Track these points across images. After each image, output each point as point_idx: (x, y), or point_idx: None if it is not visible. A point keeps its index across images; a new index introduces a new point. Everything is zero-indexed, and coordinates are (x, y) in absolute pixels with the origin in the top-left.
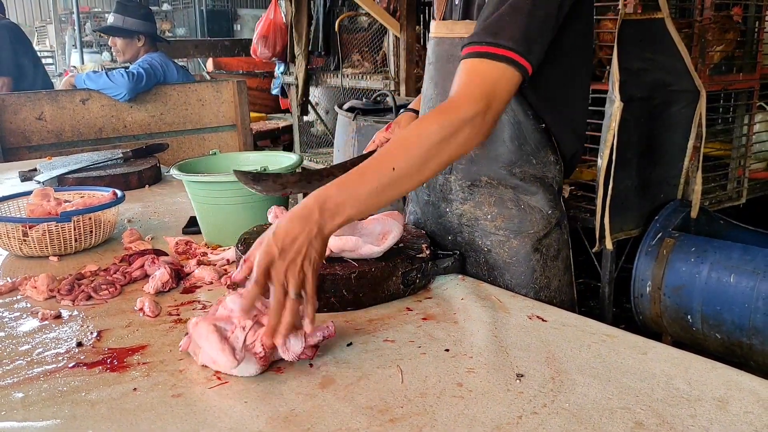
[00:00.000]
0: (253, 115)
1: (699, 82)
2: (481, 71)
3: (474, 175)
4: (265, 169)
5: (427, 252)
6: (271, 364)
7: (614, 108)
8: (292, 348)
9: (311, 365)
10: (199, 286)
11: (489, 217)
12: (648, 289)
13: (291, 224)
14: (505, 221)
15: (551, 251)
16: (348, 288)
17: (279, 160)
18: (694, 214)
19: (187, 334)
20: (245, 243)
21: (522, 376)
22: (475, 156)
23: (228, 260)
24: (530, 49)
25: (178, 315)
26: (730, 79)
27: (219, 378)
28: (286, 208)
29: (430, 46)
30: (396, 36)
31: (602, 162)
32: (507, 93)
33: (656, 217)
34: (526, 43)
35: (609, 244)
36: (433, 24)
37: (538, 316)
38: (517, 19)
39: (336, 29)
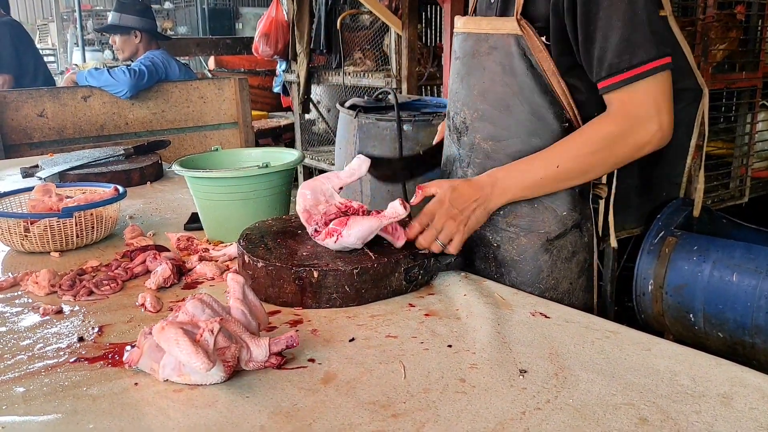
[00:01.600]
0: (254, 113)
1: (702, 81)
2: (643, 91)
3: (490, 169)
4: (266, 165)
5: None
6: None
7: None
8: (255, 357)
9: (313, 360)
10: (201, 282)
11: (501, 212)
12: (650, 287)
13: (468, 188)
14: (516, 218)
15: (564, 253)
16: (350, 283)
17: (281, 157)
18: (696, 212)
19: (133, 346)
20: (247, 239)
21: (525, 372)
22: (492, 151)
23: (230, 256)
24: (662, 44)
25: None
26: (732, 78)
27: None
28: (288, 204)
29: (456, 41)
30: (398, 34)
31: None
32: (667, 92)
33: (658, 216)
34: (658, 44)
35: (613, 242)
36: (459, 20)
37: (541, 313)
38: (640, 28)
39: (338, 27)
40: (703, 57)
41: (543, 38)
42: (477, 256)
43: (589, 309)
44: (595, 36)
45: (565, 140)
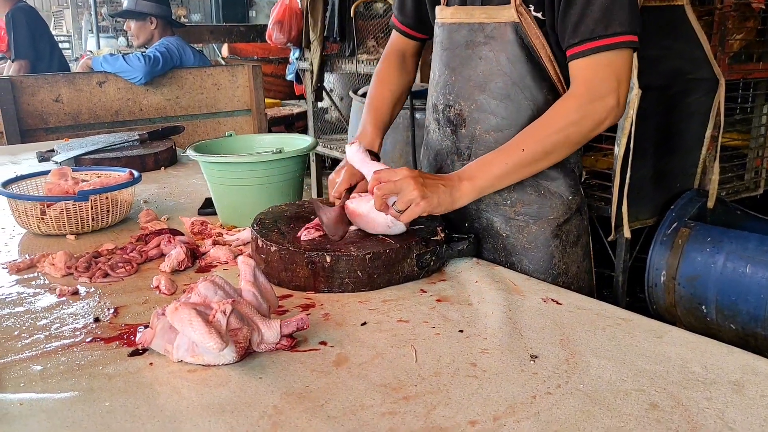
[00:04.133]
0: (267, 101)
1: (718, 71)
2: (604, 63)
3: None
4: (280, 151)
5: (442, 235)
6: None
7: (632, 96)
8: (266, 339)
9: (325, 343)
10: (215, 266)
11: (508, 202)
12: (662, 278)
13: (436, 175)
14: (524, 206)
15: (571, 237)
16: (362, 268)
17: (294, 142)
18: (710, 204)
19: (146, 326)
20: (261, 224)
21: (536, 357)
22: (494, 141)
23: (243, 241)
24: (637, 23)
25: None
26: (749, 68)
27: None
28: (301, 190)
29: (442, 32)
30: None
31: (619, 150)
32: (629, 71)
33: (672, 207)
34: (633, 20)
35: (627, 232)
36: (444, 9)
37: (552, 299)
38: (620, 1)
39: (351, 15)
40: (720, 47)
41: (539, 14)
42: (486, 248)
43: (593, 291)
44: (576, 0)
45: (530, 126)
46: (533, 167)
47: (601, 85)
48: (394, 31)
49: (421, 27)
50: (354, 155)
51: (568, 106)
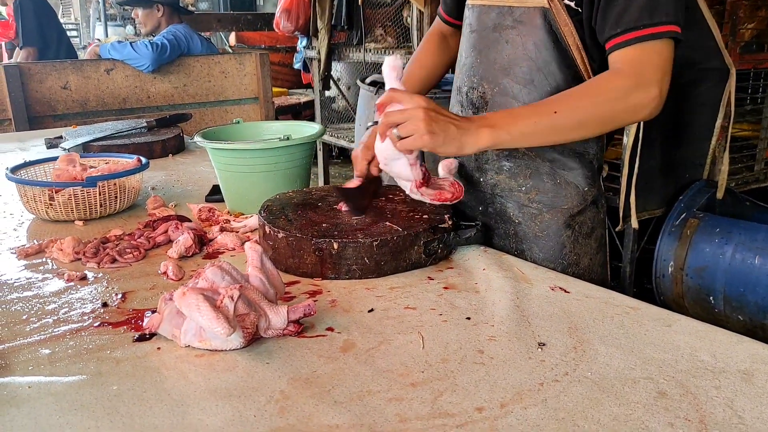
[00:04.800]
0: (274, 90)
1: (729, 60)
2: (651, 52)
3: None
4: (288, 138)
5: (450, 222)
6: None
7: None
8: (273, 325)
9: (332, 329)
10: (222, 252)
11: (523, 189)
12: (670, 269)
13: (453, 114)
14: (539, 194)
15: (584, 228)
16: (369, 255)
17: (302, 130)
18: (720, 194)
19: (154, 311)
20: (268, 210)
21: (544, 344)
22: None
23: (250, 228)
24: (681, 14)
25: None
26: (760, 58)
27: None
28: (308, 177)
29: (472, 13)
30: (420, 10)
31: (628, 140)
32: (671, 63)
33: (681, 197)
34: (677, 10)
35: (635, 223)
36: None
37: (560, 288)
38: None
39: (359, 3)
40: (731, 36)
41: (571, 2)
42: (496, 233)
43: (606, 285)
44: None
45: (568, 91)
46: (560, 135)
47: (648, 73)
48: (437, 17)
49: (460, 14)
50: (388, 68)
51: (614, 83)
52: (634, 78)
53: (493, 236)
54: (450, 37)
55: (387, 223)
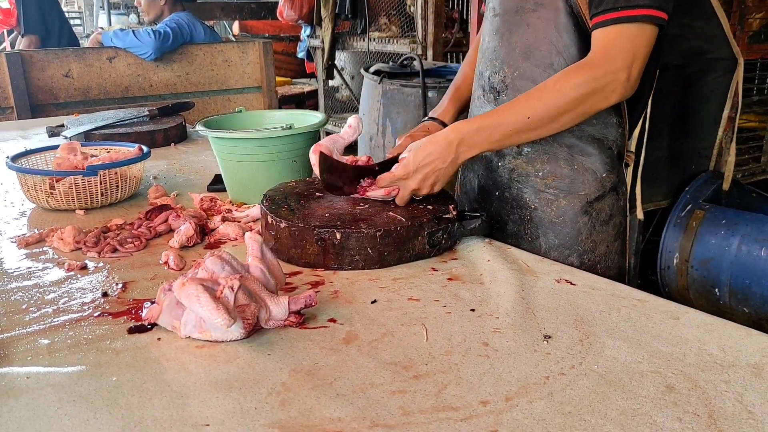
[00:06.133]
0: (278, 79)
1: (737, 50)
2: (623, 35)
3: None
4: (290, 127)
5: (454, 213)
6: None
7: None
8: (274, 315)
9: (334, 321)
10: (224, 242)
11: (540, 174)
12: (675, 261)
13: (432, 148)
14: (556, 180)
15: (602, 215)
16: (373, 246)
17: (305, 119)
18: (726, 186)
19: (153, 302)
20: (270, 200)
21: (549, 337)
22: None
23: (252, 217)
24: (666, 1)
25: None
26: None
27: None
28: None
29: None
30: None
31: (635, 130)
32: (648, 48)
33: (687, 189)
34: None
35: (640, 214)
36: None
37: (566, 280)
38: None
39: None
40: (739, 26)
41: None
42: (511, 219)
43: (623, 273)
44: None
45: (536, 89)
46: (535, 133)
47: (616, 58)
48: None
49: None
50: (346, 127)
51: (580, 74)
52: (601, 66)
53: (508, 222)
54: None
55: (390, 213)
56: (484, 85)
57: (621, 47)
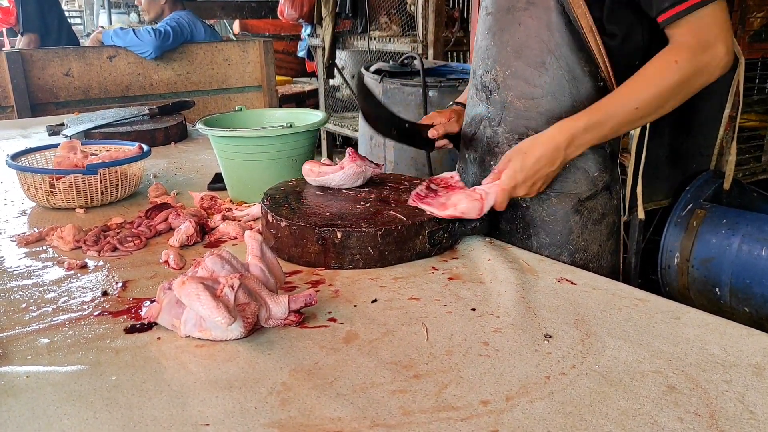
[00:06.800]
0: (278, 78)
1: (738, 49)
2: (707, 16)
3: (522, 129)
4: (291, 125)
5: None
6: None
7: None
8: (274, 314)
9: (334, 320)
10: (224, 241)
11: None
12: (676, 260)
13: (538, 152)
14: None
15: (594, 215)
16: (373, 245)
17: (305, 117)
18: (727, 185)
19: (153, 301)
20: (271, 199)
21: (550, 337)
22: (525, 109)
23: (253, 216)
24: None
25: None
26: None
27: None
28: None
29: None
30: None
31: (635, 130)
32: (729, 21)
33: (687, 188)
34: None
35: (641, 213)
36: None
37: (567, 279)
38: None
39: None
40: (740, 25)
41: None
42: (503, 218)
43: (616, 272)
44: None
45: (639, 79)
46: (641, 122)
47: (709, 35)
48: None
49: None
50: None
51: (680, 55)
52: (698, 45)
53: (501, 221)
54: None
55: (391, 212)
56: (477, 84)
57: (708, 25)
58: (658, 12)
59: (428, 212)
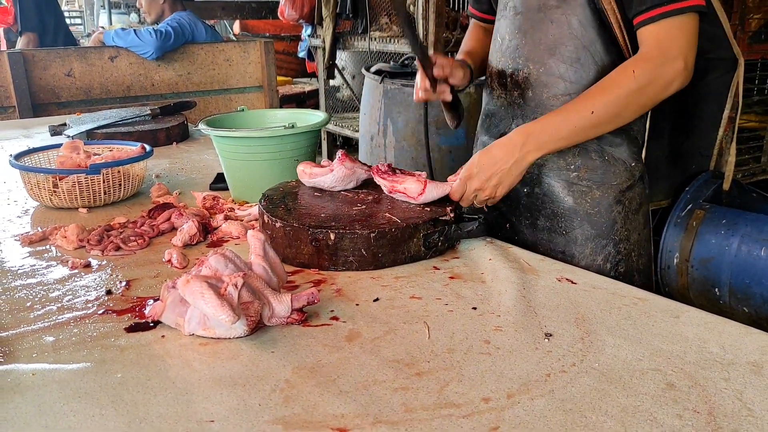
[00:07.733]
0: (279, 78)
1: (737, 50)
2: (674, 27)
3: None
4: (292, 126)
5: (451, 215)
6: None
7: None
8: (277, 313)
9: (337, 318)
10: (226, 240)
11: (572, 167)
12: (675, 260)
13: (495, 151)
14: (588, 172)
15: (633, 204)
16: (367, 247)
17: (306, 118)
18: (726, 186)
19: (157, 300)
20: (268, 199)
21: (550, 335)
22: (562, 104)
23: (254, 216)
24: None
25: None
26: None
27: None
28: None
29: None
30: None
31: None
32: (696, 35)
33: (687, 188)
34: None
35: None
36: None
37: (567, 279)
38: None
39: None
40: (740, 26)
41: None
42: (543, 214)
43: (651, 260)
44: None
45: (596, 86)
46: (599, 129)
47: (672, 48)
48: (472, 20)
49: (492, 10)
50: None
51: (638, 67)
52: (659, 57)
53: (539, 217)
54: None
55: (386, 214)
56: (505, 83)
57: (674, 37)
58: (633, 15)
59: (379, 185)
